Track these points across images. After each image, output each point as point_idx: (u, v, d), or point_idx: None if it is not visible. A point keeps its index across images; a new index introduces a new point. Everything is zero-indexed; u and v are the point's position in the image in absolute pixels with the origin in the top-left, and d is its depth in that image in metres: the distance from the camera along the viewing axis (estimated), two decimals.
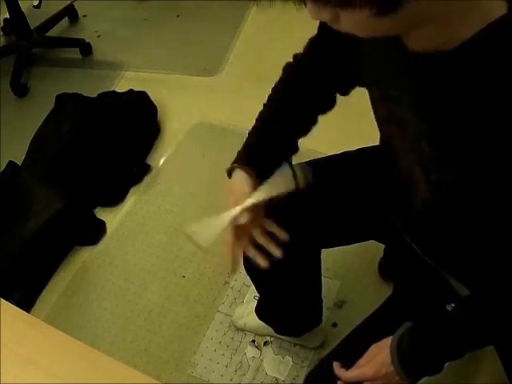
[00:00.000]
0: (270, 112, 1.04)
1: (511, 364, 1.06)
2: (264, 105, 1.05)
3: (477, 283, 0.93)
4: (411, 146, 0.79)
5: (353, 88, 1.04)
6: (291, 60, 1.06)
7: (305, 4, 0.63)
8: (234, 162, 1.01)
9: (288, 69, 1.06)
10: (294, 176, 0.97)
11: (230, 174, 1.02)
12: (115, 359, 0.83)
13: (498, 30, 0.63)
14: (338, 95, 1.06)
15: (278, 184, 0.95)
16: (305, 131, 1.06)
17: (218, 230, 0.94)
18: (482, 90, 0.65)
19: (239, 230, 0.97)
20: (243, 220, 0.94)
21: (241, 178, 0.99)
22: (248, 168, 0.99)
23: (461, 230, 0.84)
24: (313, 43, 1.03)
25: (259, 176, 0.98)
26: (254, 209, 0.95)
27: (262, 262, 0.99)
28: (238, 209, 0.94)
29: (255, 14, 2.58)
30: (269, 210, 1.01)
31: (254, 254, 1.00)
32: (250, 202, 0.94)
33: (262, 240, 1.00)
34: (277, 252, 0.99)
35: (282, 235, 1.00)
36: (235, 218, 0.94)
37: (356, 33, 0.66)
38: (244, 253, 1.31)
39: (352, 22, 0.63)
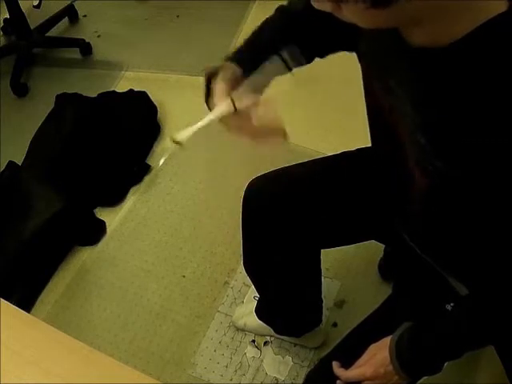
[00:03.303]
0: (260, 31, 1.01)
1: (511, 364, 1.06)
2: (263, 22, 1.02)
3: (476, 282, 0.93)
4: (408, 138, 0.79)
5: (331, 52, 1.01)
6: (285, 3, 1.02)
7: None
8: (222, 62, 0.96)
9: (281, 9, 1.02)
10: (284, 61, 0.91)
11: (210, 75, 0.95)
12: (115, 359, 0.83)
13: (497, 26, 0.63)
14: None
15: (267, 70, 0.90)
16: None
17: (195, 129, 0.92)
18: (480, 85, 0.65)
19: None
20: (231, 122, 0.90)
21: (232, 69, 0.93)
22: (234, 63, 0.93)
23: (460, 229, 0.84)
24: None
25: (246, 72, 0.93)
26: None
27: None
28: (215, 114, 0.90)
29: (255, 14, 2.58)
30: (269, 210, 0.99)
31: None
32: (225, 108, 0.88)
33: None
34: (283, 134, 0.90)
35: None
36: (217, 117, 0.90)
37: (358, 23, 0.67)
38: (244, 255, 1.31)
39: (352, 13, 0.65)
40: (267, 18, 1.02)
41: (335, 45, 1.00)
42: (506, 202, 0.70)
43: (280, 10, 1.02)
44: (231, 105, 0.87)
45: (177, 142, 0.91)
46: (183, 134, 0.91)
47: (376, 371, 0.94)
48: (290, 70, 0.93)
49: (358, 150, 1.18)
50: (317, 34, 0.98)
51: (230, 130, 0.92)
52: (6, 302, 0.92)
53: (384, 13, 0.61)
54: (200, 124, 0.90)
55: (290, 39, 0.97)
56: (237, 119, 0.89)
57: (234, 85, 0.90)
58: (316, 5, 0.66)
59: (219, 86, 0.90)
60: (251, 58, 0.94)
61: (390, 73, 0.79)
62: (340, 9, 0.65)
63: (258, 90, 0.90)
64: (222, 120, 0.90)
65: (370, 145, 1.14)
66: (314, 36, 0.99)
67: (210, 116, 0.90)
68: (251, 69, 0.94)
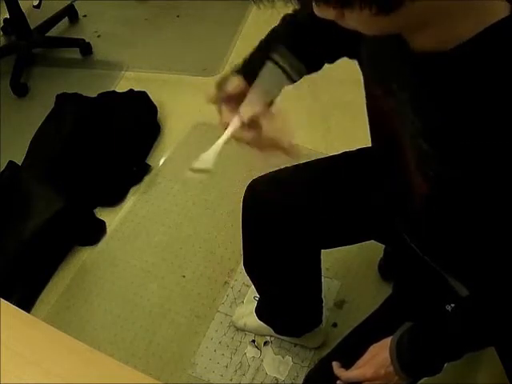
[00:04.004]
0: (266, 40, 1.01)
1: (511, 364, 1.06)
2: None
3: (476, 283, 0.93)
4: (409, 142, 0.79)
5: (336, 59, 1.01)
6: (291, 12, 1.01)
7: (305, 4, 0.63)
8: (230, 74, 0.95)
9: (288, 19, 1.01)
10: (282, 69, 0.88)
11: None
12: (115, 359, 0.83)
13: (499, 31, 0.63)
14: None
15: (264, 78, 0.88)
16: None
17: (217, 150, 0.90)
18: (483, 89, 0.65)
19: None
20: (242, 135, 0.91)
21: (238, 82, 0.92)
22: (237, 74, 0.93)
23: (460, 230, 0.84)
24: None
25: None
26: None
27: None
28: (228, 132, 0.90)
29: (255, 13, 2.58)
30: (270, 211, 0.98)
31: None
32: (236, 123, 0.88)
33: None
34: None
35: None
36: (231, 137, 0.90)
37: (361, 30, 0.67)
38: (244, 255, 1.31)
39: (356, 20, 0.64)
40: (273, 28, 1.02)
41: (339, 51, 1.00)
42: (507, 203, 0.70)
43: (285, 18, 1.01)
44: (239, 119, 0.88)
45: (200, 171, 0.91)
46: (205, 161, 0.91)
47: (376, 372, 0.94)
48: (286, 73, 0.89)
49: (358, 150, 1.18)
50: (322, 41, 0.98)
51: (240, 144, 0.93)
52: (5, 302, 0.92)
53: (388, 19, 0.61)
54: (217, 146, 0.90)
55: (296, 47, 0.97)
56: (246, 132, 0.89)
57: (241, 98, 0.89)
58: (318, 13, 0.66)
59: (225, 107, 0.91)
60: (255, 69, 0.93)
61: (392, 77, 0.79)
62: (343, 16, 0.64)
63: (264, 99, 0.89)
64: (235, 135, 0.90)
65: (370, 145, 1.14)
66: (320, 43, 0.98)
67: (224, 136, 0.90)
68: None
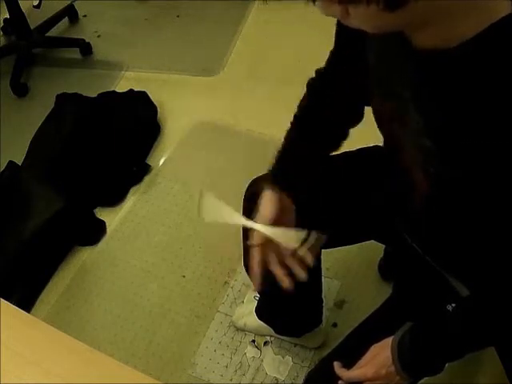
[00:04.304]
0: (298, 131, 1.05)
1: (511, 364, 1.06)
2: (291, 123, 1.05)
3: (477, 283, 0.93)
4: (413, 142, 0.79)
5: (361, 117, 1.06)
6: (313, 75, 1.06)
7: (313, 1, 0.63)
8: (270, 179, 1.02)
9: (311, 84, 1.06)
10: (304, 240, 0.97)
11: (259, 192, 1.02)
12: (115, 359, 0.83)
13: (502, 29, 0.63)
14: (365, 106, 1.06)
15: (285, 236, 0.96)
16: (335, 146, 1.07)
17: (224, 220, 0.97)
18: (487, 87, 0.65)
19: (266, 248, 0.99)
20: (254, 241, 0.98)
21: (268, 199, 1.00)
22: (279, 190, 1.00)
23: (461, 229, 0.84)
24: (332, 55, 1.03)
25: (291, 195, 1.01)
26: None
27: (287, 283, 1.00)
28: (249, 224, 0.97)
29: (255, 14, 2.58)
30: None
31: (280, 273, 1.00)
32: (259, 228, 0.96)
33: (289, 260, 1.00)
34: (303, 275, 0.99)
35: (309, 259, 0.99)
36: (247, 230, 0.98)
37: (365, 28, 0.67)
38: (244, 255, 1.31)
39: (361, 18, 0.64)
40: (299, 106, 1.06)
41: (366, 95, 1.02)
42: (508, 202, 0.70)
43: (309, 85, 1.06)
44: (264, 229, 0.96)
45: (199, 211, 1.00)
46: (210, 218, 1.00)
47: (378, 372, 0.94)
48: (298, 248, 0.97)
49: (358, 150, 1.18)
50: (348, 92, 1.02)
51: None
52: (5, 302, 0.92)
53: (393, 15, 0.61)
54: (227, 220, 0.98)
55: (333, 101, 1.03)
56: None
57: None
58: (324, 11, 0.65)
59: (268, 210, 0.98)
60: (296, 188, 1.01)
61: (395, 76, 0.79)
62: (348, 15, 0.64)
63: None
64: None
65: (370, 145, 1.14)
66: (354, 85, 1.00)
67: (243, 220, 0.98)
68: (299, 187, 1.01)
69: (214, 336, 1.67)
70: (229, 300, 1.73)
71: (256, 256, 1.00)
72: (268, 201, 0.99)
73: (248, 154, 2.03)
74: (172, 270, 1.83)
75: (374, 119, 0.94)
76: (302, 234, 0.95)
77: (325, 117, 1.04)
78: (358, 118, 1.06)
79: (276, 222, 0.97)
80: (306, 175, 1.05)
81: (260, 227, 0.96)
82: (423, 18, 0.64)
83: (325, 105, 1.04)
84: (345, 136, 1.07)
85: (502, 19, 0.63)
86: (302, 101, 1.06)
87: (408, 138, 0.80)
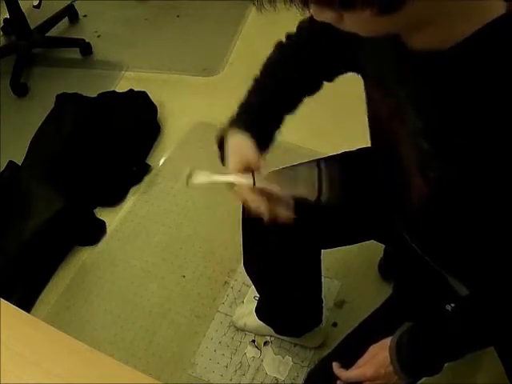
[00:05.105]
0: (261, 85, 1.05)
1: (511, 364, 1.06)
2: (255, 77, 1.06)
3: (476, 283, 0.93)
4: (410, 142, 0.79)
5: (337, 76, 1.04)
6: (283, 39, 1.06)
7: (307, 7, 0.63)
8: (227, 127, 0.99)
9: (279, 48, 1.06)
10: (319, 187, 0.91)
11: (220, 141, 1.00)
12: (115, 359, 0.83)
13: (496, 29, 0.63)
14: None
15: (298, 187, 0.92)
16: (292, 108, 1.06)
17: (216, 180, 0.92)
18: (480, 89, 0.65)
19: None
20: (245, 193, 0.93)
21: (244, 140, 0.96)
22: (249, 134, 0.96)
23: (460, 229, 0.84)
24: (302, 29, 1.03)
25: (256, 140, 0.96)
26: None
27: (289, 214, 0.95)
28: (237, 179, 0.92)
29: (255, 14, 2.56)
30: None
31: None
32: (263, 184, 0.90)
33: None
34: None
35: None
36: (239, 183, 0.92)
37: (359, 32, 0.66)
38: (244, 255, 1.31)
39: (355, 22, 0.64)
40: (268, 58, 1.06)
41: (338, 65, 1.02)
42: (506, 202, 0.70)
43: (279, 46, 1.06)
44: (251, 180, 0.90)
45: (187, 181, 0.93)
46: (198, 179, 0.93)
47: (376, 372, 0.94)
48: (319, 189, 0.91)
49: (358, 150, 1.18)
50: (322, 58, 1.01)
51: (235, 198, 0.96)
52: (5, 302, 0.92)
53: (388, 19, 0.61)
54: (217, 178, 0.92)
55: (294, 71, 1.02)
56: (250, 191, 0.92)
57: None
58: (317, 16, 0.65)
59: (233, 160, 0.94)
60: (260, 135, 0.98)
61: (391, 77, 0.79)
62: (341, 19, 0.64)
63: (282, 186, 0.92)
64: (232, 187, 0.93)
65: (370, 145, 1.14)
66: (320, 61, 1.01)
67: (230, 178, 0.92)
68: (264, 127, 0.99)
69: (214, 336, 1.67)
70: (229, 300, 1.73)
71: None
72: (245, 142, 0.96)
73: None
74: (172, 270, 1.83)
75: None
76: (314, 179, 0.89)
77: (285, 80, 1.03)
78: (315, 88, 1.06)
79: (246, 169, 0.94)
80: (266, 127, 1.02)
81: (263, 184, 0.90)
82: (419, 20, 0.64)
83: (287, 70, 1.03)
84: (300, 102, 1.06)
85: (496, 19, 0.63)
86: (267, 60, 1.07)
87: (405, 139, 0.80)
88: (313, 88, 1.07)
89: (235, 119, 1.01)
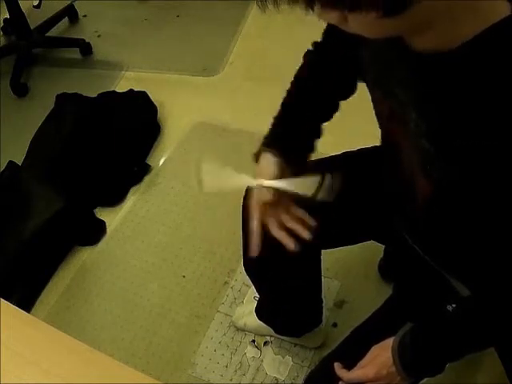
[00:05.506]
0: (293, 98, 1.06)
1: (511, 364, 1.06)
2: (287, 91, 1.06)
3: (478, 284, 0.93)
4: (412, 143, 0.79)
5: (353, 91, 1.06)
6: (311, 47, 1.07)
7: (312, 8, 0.63)
8: (262, 147, 1.02)
9: (308, 56, 1.07)
10: (320, 185, 0.93)
11: (256, 158, 1.02)
12: (115, 359, 0.83)
13: (501, 31, 0.63)
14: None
15: (300, 184, 0.94)
16: (327, 116, 1.08)
17: (228, 186, 0.94)
18: (484, 89, 0.65)
19: (265, 211, 0.98)
20: (265, 197, 0.95)
21: (268, 160, 0.99)
22: (275, 151, 0.99)
23: (462, 230, 0.84)
24: (327, 27, 1.04)
25: (287, 160, 0.99)
26: (279, 193, 0.95)
27: (291, 244, 0.98)
28: (256, 182, 0.94)
29: (255, 14, 2.58)
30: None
31: (281, 234, 0.99)
32: (269, 183, 0.92)
33: (290, 223, 0.99)
34: (306, 234, 0.98)
35: (310, 221, 0.99)
36: (253, 192, 0.94)
37: (364, 34, 0.66)
38: (244, 255, 1.31)
39: (359, 24, 0.64)
40: (296, 78, 1.07)
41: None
42: (507, 203, 0.70)
43: (307, 55, 1.07)
44: (273, 183, 0.93)
45: (199, 187, 0.93)
46: (211, 187, 0.94)
47: (378, 372, 0.94)
48: (315, 194, 0.93)
49: (358, 150, 1.18)
50: (341, 66, 1.03)
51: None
52: (5, 301, 0.92)
53: (392, 22, 0.60)
54: (226, 182, 0.94)
55: (328, 75, 1.04)
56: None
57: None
58: (322, 17, 0.65)
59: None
60: (290, 150, 1.00)
61: (394, 79, 0.79)
62: (346, 20, 0.64)
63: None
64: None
65: (370, 145, 1.14)
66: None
67: (238, 179, 0.94)
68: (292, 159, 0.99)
69: (214, 336, 1.67)
70: (229, 300, 1.73)
71: (256, 215, 0.98)
72: (268, 161, 0.99)
73: (248, 153, 2.02)
74: (172, 270, 1.83)
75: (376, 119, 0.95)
76: (316, 178, 0.91)
77: (319, 87, 1.05)
78: (350, 90, 1.07)
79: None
80: (301, 141, 1.04)
81: (270, 182, 0.92)
82: (423, 22, 0.64)
83: (320, 75, 1.05)
84: (336, 108, 1.08)
85: (501, 21, 0.63)
86: (298, 70, 1.07)
87: (408, 140, 0.80)
88: (347, 89, 1.08)
89: (269, 135, 1.04)
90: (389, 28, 0.64)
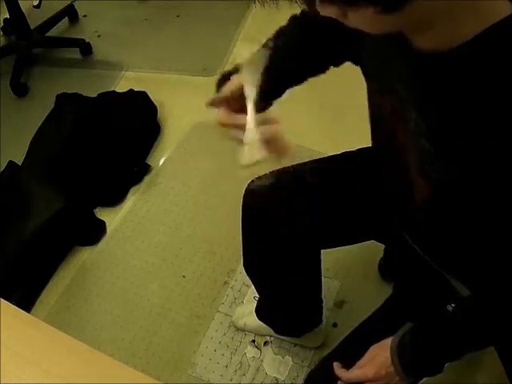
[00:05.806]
0: (288, 36, 1.02)
1: (511, 364, 1.06)
2: (278, 31, 1.03)
3: (478, 284, 0.93)
4: (412, 143, 0.79)
5: (342, 63, 1.03)
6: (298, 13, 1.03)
7: (310, 3, 0.63)
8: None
9: (293, 20, 1.03)
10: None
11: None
12: (115, 359, 0.82)
13: (501, 30, 0.63)
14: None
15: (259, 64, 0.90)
16: (315, 72, 1.04)
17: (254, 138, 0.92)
18: (485, 90, 0.65)
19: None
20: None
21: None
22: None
23: (462, 230, 0.84)
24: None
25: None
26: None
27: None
28: (251, 124, 0.94)
29: (255, 14, 2.58)
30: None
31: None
32: (250, 106, 0.92)
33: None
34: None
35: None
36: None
37: (364, 29, 0.66)
38: (244, 255, 1.31)
39: (359, 19, 0.64)
40: (280, 28, 1.03)
41: (344, 54, 1.00)
42: (507, 203, 0.70)
43: (293, 19, 1.02)
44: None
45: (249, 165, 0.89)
46: (250, 157, 0.90)
47: (377, 372, 0.94)
48: None
49: (358, 150, 1.18)
50: (328, 42, 0.99)
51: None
52: (5, 302, 0.92)
53: (392, 18, 0.60)
54: (251, 122, 0.92)
55: (302, 47, 0.99)
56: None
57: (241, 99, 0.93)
58: (321, 11, 0.65)
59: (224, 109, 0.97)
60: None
61: (394, 77, 0.78)
62: (346, 15, 0.64)
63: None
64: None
65: (370, 145, 1.14)
66: (325, 44, 0.99)
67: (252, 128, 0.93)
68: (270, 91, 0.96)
69: (214, 336, 1.67)
70: (229, 300, 1.73)
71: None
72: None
73: None
74: (172, 270, 1.83)
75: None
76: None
77: (308, 41, 1.01)
78: (339, 58, 1.03)
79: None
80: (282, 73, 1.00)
81: (249, 106, 0.92)
82: (423, 19, 0.64)
83: (309, 33, 1.01)
84: (324, 70, 1.04)
85: (501, 21, 0.63)
86: (281, 28, 1.03)
87: (407, 140, 0.80)
88: (318, 69, 1.04)
89: (235, 67, 0.99)
90: (388, 24, 0.64)
